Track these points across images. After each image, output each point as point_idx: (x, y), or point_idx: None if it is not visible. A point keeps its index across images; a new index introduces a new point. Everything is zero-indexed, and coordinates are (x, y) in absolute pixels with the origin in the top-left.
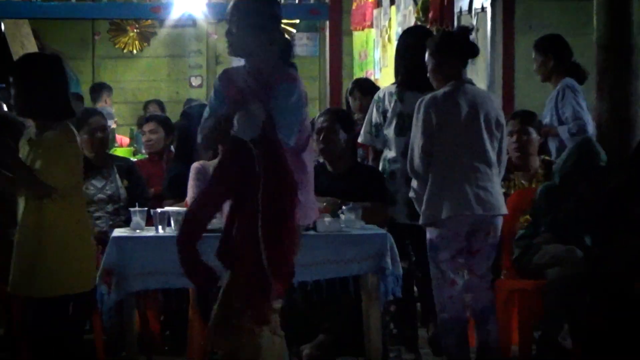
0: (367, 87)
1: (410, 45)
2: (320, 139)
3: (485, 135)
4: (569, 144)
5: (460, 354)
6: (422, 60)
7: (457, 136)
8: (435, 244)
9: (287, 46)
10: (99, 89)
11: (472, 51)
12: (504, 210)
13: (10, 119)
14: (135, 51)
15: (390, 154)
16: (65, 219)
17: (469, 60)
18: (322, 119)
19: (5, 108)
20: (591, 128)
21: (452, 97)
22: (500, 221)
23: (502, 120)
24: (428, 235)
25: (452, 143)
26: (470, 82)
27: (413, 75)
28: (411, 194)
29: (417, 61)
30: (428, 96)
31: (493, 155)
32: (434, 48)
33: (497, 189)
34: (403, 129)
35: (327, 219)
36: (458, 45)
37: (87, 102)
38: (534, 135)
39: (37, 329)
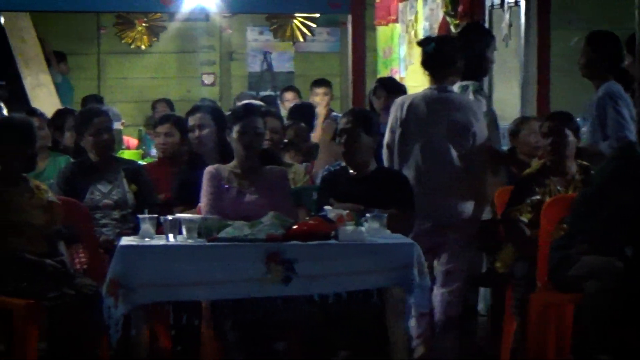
0: (391, 86)
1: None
2: (343, 141)
3: (449, 142)
4: None
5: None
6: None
7: (418, 140)
8: None
9: None
10: None
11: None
12: (465, 215)
13: (17, 122)
14: (143, 47)
15: None
16: None
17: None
18: (344, 120)
19: (4, 110)
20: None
21: (418, 102)
22: (464, 223)
23: (475, 128)
24: None
25: (414, 146)
26: (445, 90)
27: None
28: None
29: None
30: (398, 99)
31: (456, 161)
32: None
33: (458, 193)
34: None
35: (349, 227)
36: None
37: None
38: (571, 137)
39: None
